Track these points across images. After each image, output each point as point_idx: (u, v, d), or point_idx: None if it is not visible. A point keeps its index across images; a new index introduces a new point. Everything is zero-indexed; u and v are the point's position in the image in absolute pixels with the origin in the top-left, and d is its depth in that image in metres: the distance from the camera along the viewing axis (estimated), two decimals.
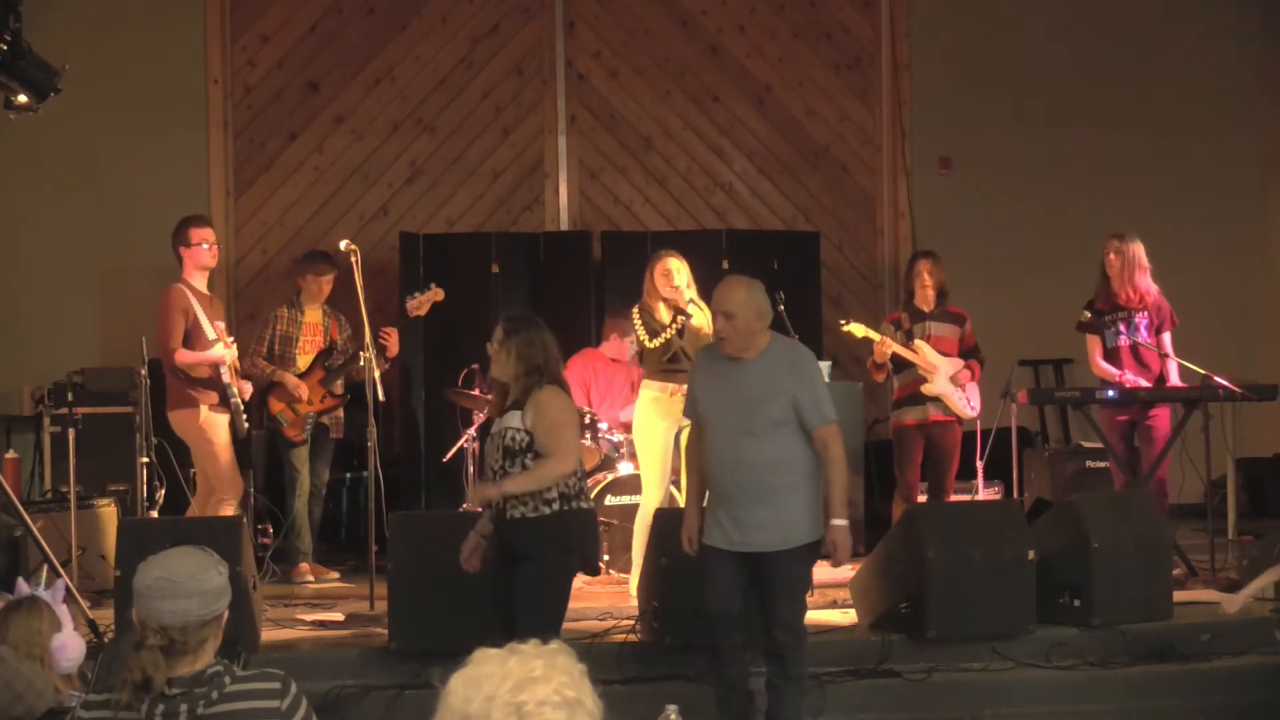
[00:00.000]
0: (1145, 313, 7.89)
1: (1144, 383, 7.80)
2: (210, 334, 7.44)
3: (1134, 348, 7.83)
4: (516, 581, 5.28)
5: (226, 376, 7.45)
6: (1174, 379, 7.82)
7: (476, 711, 2.16)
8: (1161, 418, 7.81)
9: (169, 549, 3.20)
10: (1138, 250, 7.91)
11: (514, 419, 5.35)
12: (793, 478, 5.36)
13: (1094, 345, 7.94)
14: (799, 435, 5.36)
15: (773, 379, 5.36)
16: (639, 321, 7.25)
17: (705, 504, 5.54)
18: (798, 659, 5.44)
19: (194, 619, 3.08)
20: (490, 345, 5.44)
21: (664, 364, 7.22)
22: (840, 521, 5.39)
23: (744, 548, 5.34)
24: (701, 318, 7.08)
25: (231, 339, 7.59)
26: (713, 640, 5.46)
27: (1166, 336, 7.90)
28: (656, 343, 7.19)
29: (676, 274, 7.22)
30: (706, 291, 6.62)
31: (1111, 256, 7.91)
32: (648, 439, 7.26)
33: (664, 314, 7.23)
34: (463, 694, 2.18)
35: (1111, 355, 7.90)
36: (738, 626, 5.42)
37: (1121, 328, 7.87)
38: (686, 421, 5.98)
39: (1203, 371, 7.70)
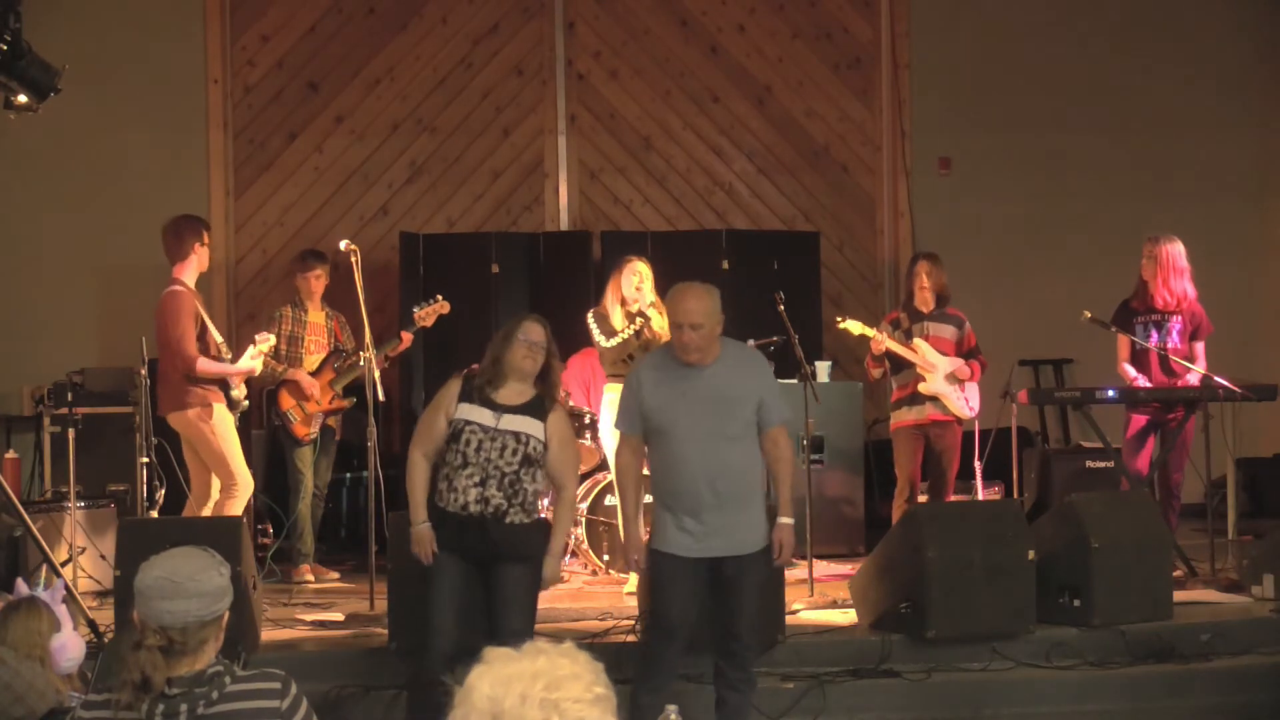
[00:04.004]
0: (1180, 317, 7.79)
1: (1146, 383, 7.78)
2: (217, 336, 7.44)
3: (1162, 353, 7.71)
4: (505, 581, 5.35)
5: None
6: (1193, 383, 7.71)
7: (509, 710, 2.15)
8: (1180, 419, 7.77)
9: (171, 549, 3.20)
10: (1172, 252, 7.75)
11: (533, 426, 5.38)
12: (758, 478, 5.44)
13: (1123, 346, 7.85)
14: (756, 437, 5.40)
15: (741, 381, 5.35)
16: (594, 325, 7.43)
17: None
18: (753, 659, 5.50)
19: (193, 619, 3.09)
20: (537, 338, 5.39)
21: (619, 366, 7.35)
22: (787, 520, 5.41)
23: (714, 553, 5.29)
24: (660, 321, 7.17)
25: (269, 335, 7.63)
26: (656, 650, 5.36)
27: (1200, 345, 7.79)
28: (614, 343, 7.37)
29: (644, 279, 7.42)
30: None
31: (1144, 260, 7.81)
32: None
33: (618, 318, 7.42)
34: (490, 693, 2.17)
35: (1140, 357, 7.82)
36: (684, 635, 5.37)
37: (1153, 332, 7.78)
38: None
39: (1204, 372, 7.70)
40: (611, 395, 7.31)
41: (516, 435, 5.34)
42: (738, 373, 5.36)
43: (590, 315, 7.53)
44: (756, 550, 5.37)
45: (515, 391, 5.41)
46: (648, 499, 5.78)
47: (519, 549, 5.37)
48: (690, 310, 5.25)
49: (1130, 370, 7.80)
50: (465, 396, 5.40)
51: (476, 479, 5.32)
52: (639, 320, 7.31)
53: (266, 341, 7.58)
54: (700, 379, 5.30)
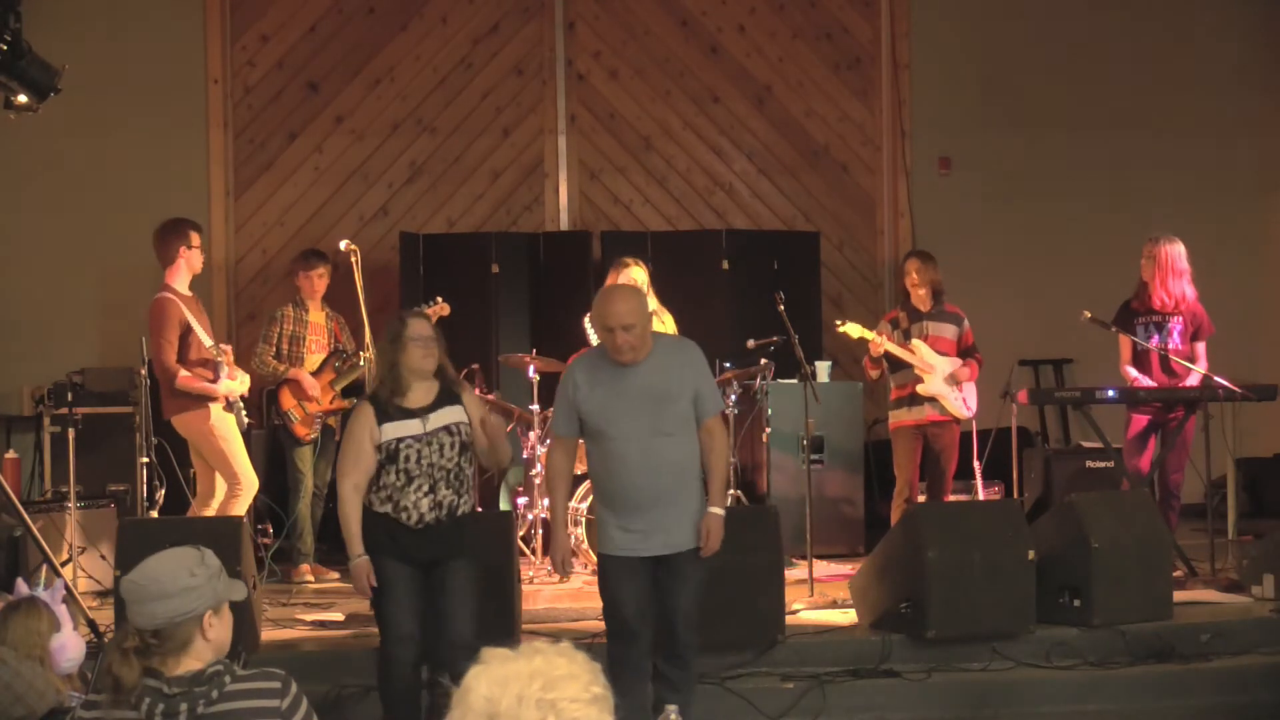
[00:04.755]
0: (1180, 318, 7.77)
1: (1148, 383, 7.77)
2: (206, 341, 7.42)
3: (1163, 354, 7.70)
4: (454, 580, 5.35)
5: (225, 374, 7.44)
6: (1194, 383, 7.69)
7: (506, 710, 2.15)
8: (1180, 419, 7.76)
9: (164, 550, 3.22)
10: (1172, 253, 7.72)
11: (457, 413, 5.39)
12: (696, 473, 5.40)
13: (1125, 346, 7.83)
14: (694, 431, 5.37)
15: (675, 375, 5.32)
16: (590, 328, 7.42)
17: (593, 516, 5.47)
18: (696, 657, 5.46)
19: (162, 621, 3.11)
20: (426, 333, 5.37)
21: None
22: (717, 510, 5.36)
23: (658, 550, 5.29)
24: (664, 326, 7.17)
25: (227, 346, 7.56)
26: (620, 655, 5.26)
27: (1201, 345, 7.77)
28: None
29: (638, 283, 7.40)
30: (693, 293, 6.59)
31: (1144, 260, 7.80)
32: None
33: None
34: (486, 693, 2.17)
35: (1141, 358, 7.80)
36: (646, 636, 5.34)
37: (1154, 333, 7.76)
38: None
39: (1204, 372, 7.70)
40: None
41: (448, 429, 5.35)
42: (671, 367, 5.33)
43: (587, 318, 7.51)
44: (696, 546, 5.35)
45: (423, 391, 5.39)
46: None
47: (466, 543, 5.41)
48: (621, 313, 5.22)
49: (1132, 372, 7.79)
50: (383, 418, 5.32)
51: (425, 488, 5.31)
52: None
53: (224, 355, 7.50)
54: (635, 377, 5.27)
